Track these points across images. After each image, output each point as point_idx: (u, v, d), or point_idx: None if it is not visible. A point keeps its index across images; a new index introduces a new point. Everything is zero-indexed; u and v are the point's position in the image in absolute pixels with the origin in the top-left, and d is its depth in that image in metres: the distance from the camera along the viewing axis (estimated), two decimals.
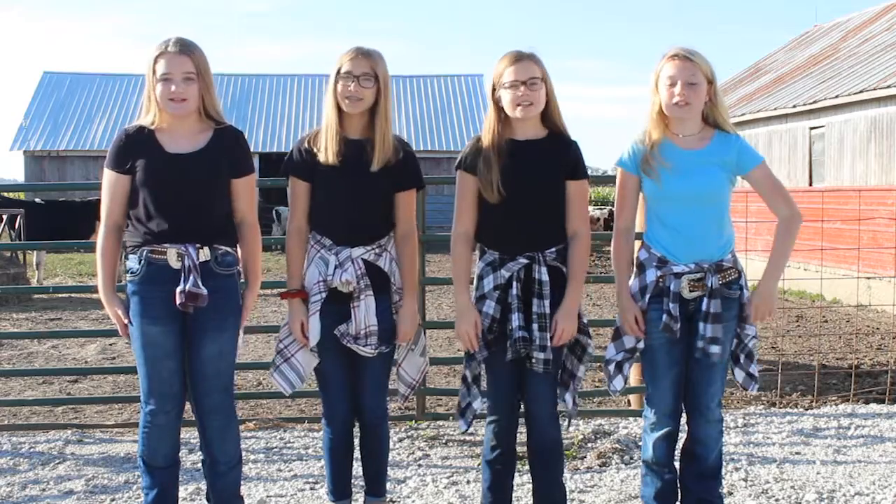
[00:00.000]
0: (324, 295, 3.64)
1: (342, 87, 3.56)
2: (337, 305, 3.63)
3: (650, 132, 3.58)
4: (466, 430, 3.77)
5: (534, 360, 3.50)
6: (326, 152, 3.60)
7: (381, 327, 3.64)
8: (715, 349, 3.49)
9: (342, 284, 3.61)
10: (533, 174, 3.53)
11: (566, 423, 3.76)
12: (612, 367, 3.69)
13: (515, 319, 3.49)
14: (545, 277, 3.51)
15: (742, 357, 3.66)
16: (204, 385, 3.56)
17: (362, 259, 3.62)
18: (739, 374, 3.69)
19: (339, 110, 3.61)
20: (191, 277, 3.42)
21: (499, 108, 3.56)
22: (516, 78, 3.47)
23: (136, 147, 3.50)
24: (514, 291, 3.52)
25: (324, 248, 3.67)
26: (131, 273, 3.53)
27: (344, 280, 3.60)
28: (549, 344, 3.49)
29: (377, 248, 3.66)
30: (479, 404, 3.66)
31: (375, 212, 3.66)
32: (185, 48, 3.46)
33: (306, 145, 3.68)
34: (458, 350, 8.67)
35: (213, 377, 3.56)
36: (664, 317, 3.51)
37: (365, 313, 3.60)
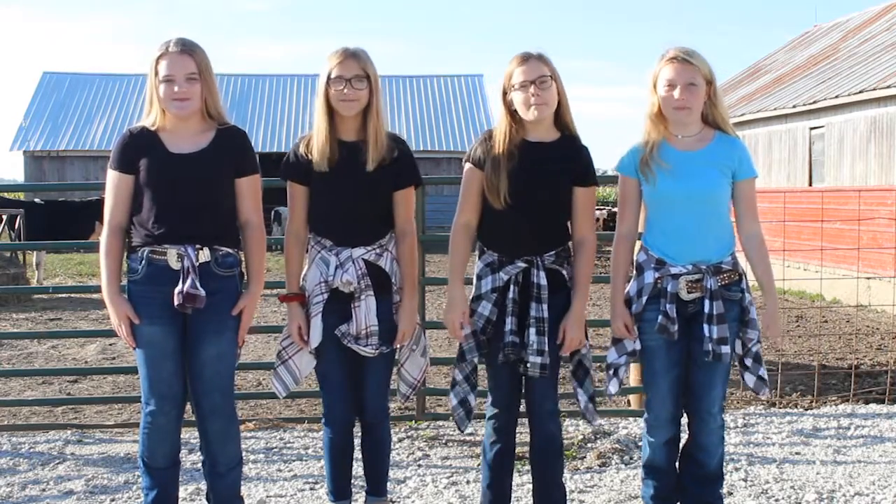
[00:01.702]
0: (325, 296, 3.64)
1: (335, 91, 3.55)
2: (338, 306, 3.63)
3: (648, 133, 3.58)
4: (463, 430, 3.79)
5: (528, 365, 3.50)
6: (319, 157, 3.59)
7: (383, 327, 3.64)
8: (725, 349, 3.48)
9: (343, 285, 3.61)
10: (541, 177, 3.52)
11: (584, 421, 3.75)
12: (610, 371, 3.68)
13: (509, 323, 3.50)
14: (543, 282, 3.51)
15: (749, 361, 3.64)
16: (203, 386, 3.56)
17: (363, 259, 3.63)
18: (750, 379, 3.66)
19: (331, 115, 3.60)
20: (189, 278, 3.42)
21: (510, 112, 3.55)
22: (526, 78, 3.47)
23: (140, 147, 3.50)
24: (512, 295, 3.52)
25: (324, 248, 3.66)
26: (132, 273, 3.53)
27: (345, 280, 3.60)
28: (546, 348, 3.49)
29: (378, 248, 3.66)
30: (458, 398, 3.68)
31: (373, 212, 3.66)
32: (187, 48, 3.45)
33: (301, 149, 3.68)
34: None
35: (213, 378, 3.56)
36: (660, 318, 3.51)
37: (366, 313, 3.60)
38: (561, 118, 3.58)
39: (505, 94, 3.56)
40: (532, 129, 3.56)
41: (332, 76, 3.55)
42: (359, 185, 3.60)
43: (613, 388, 3.68)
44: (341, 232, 3.65)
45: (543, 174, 3.52)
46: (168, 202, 3.46)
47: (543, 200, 3.54)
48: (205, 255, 3.48)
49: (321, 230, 3.69)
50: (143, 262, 3.49)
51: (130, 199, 3.51)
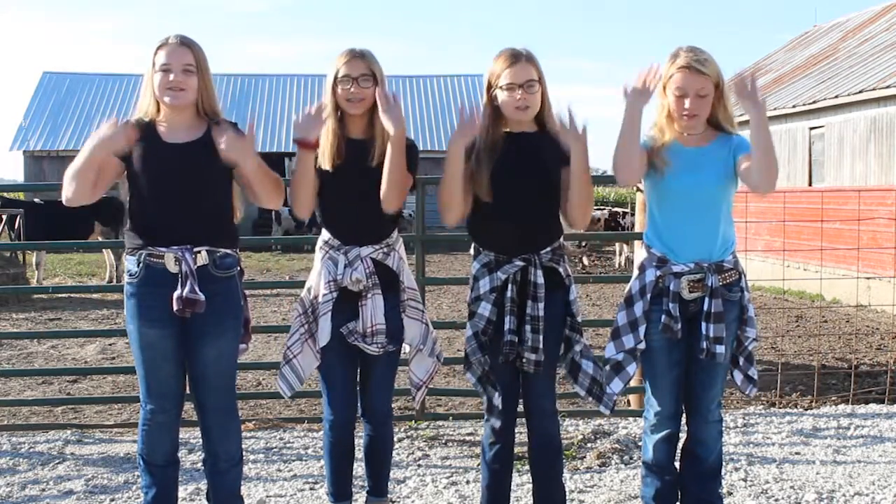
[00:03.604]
0: (335, 295, 3.64)
1: (342, 90, 3.58)
2: (346, 306, 3.64)
3: (657, 135, 3.57)
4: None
5: (524, 361, 3.51)
6: (327, 155, 3.60)
7: (389, 326, 3.65)
8: (720, 349, 3.49)
9: (352, 283, 3.61)
10: (526, 165, 3.54)
11: (603, 405, 3.66)
12: (608, 368, 3.64)
13: (508, 322, 3.51)
14: (540, 280, 3.53)
15: (741, 360, 3.65)
16: (205, 386, 3.56)
17: (371, 258, 3.63)
18: (738, 377, 3.67)
19: (339, 114, 3.63)
20: (188, 283, 3.41)
21: (492, 107, 3.57)
22: (513, 81, 3.49)
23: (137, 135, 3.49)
24: (510, 294, 3.53)
25: (332, 248, 3.68)
26: (129, 275, 3.51)
27: (354, 278, 3.60)
28: (541, 346, 3.50)
29: (385, 248, 3.67)
30: (498, 400, 3.62)
31: (380, 209, 3.66)
32: (187, 42, 3.47)
33: None
34: (458, 350, 8.67)
35: (214, 378, 3.56)
36: (663, 318, 3.51)
37: (373, 311, 3.61)
38: (543, 118, 3.60)
39: (490, 87, 3.58)
40: (513, 125, 3.59)
41: (340, 75, 3.59)
42: (366, 182, 3.61)
43: (616, 387, 3.65)
44: (349, 230, 3.66)
45: (528, 162, 3.54)
46: (162, 193, 3.45)
47: (530, 197, 3.55)
48: (203, 257, 3.47)
49: (329, 229, 3.71)
50: (141, 264, 3.48)
51: (111, 172, 3.46)
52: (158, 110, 3.50)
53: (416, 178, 3.80)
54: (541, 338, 3.50)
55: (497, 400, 3.61)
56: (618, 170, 3.49)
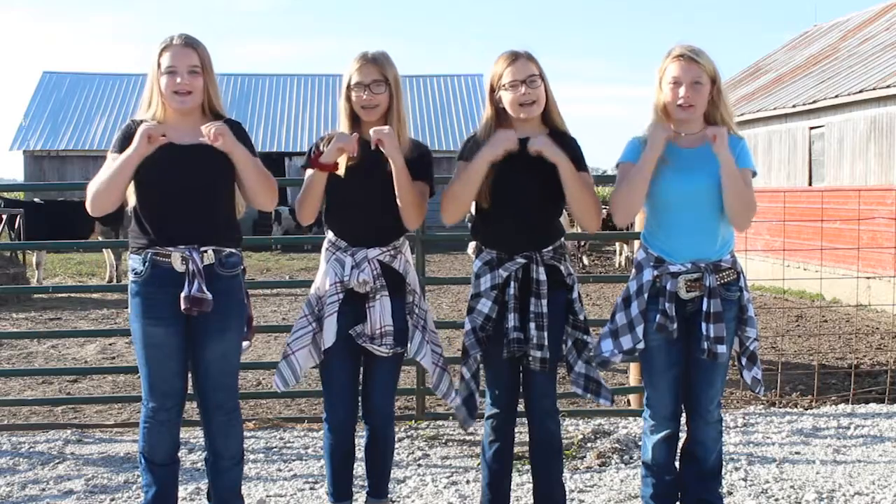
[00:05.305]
0: (341, 296, 3.64)
1: (356, 97, 3.59)
2: (352, 307, 3.63)
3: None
4: (466, 430, 3.77)
5: (530, 359, 3.52)
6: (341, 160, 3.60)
7: (396, 327, 3.64)
8: (721, 349, 3.49)
9: (359, 285, 3.61)
10: (528, 174, 3.53)
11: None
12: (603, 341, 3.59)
13: (511, 319, 3.51)
14: (543, 277, 3.53)
15: (744, 360, 3.65)
16: (208, 384, 3.57)
17: (378, 260, 3.63)
18: (748, 377, 3.66)
19: (352, 119, 3.64)
20: (195, 283, 3.41)
21: (497, 111, 3.57)
22: (515, 77, 3.49)
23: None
24: (512, 291, 3.53)
25: (339, 250, 3.67)
26: (135, 273, 3.51)
27: (361, 280, 3.60)
28: (546, 343, 3.51)
29: (392, 250, 3.67)
30: (462, 396, 3.68)
31: (389, 212, 3.65)
32: (191, 42, 3.47)
33: (324, 147, 3.67)
34: (458, 350, 8.67)
35: (218, 377, 3.57)
36: (658, 317, 3.51)
37: (380, 313, 3.61)
38: (549, 117, 3.60)
39: (492, 91, 3.58)
40: (519, 126, 3.57)
41: (353, 83, 3.59)
42: (377, 185, 3.61)
43: (609, 348, 3.58)
44: (358, 232, 3.65)
45: (530, 171, 3.53)
46: (170, 194, 3.45)
47: (532, 197, 3.55)
48: (209, 257, 3.48)
49: (337, 230, 3.70)
50: (147, 264, 3.48)
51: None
52: (164, 111, 3.49)
53: (433, 185, 3.77)
54: (545, 335, 3.51)
55: (476, 396, 3.65)
56: (619, 210, 3.53)
